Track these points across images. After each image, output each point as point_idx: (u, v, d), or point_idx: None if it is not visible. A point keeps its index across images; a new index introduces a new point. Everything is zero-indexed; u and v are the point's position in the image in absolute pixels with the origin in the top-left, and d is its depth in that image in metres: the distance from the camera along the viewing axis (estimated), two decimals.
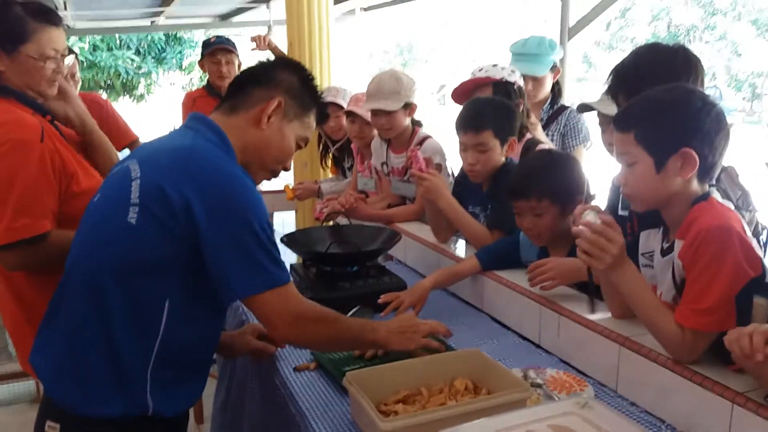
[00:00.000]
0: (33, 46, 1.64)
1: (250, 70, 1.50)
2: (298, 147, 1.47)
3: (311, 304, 1.34)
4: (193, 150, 1.29)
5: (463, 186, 2.28)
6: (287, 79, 1.43)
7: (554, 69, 2.81)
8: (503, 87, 2.41)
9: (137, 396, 1.25)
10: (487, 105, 2.14)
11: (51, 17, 1.70)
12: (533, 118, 2.36)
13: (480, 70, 2.48)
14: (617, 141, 1.34)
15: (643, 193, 1.32)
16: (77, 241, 1.34)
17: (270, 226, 1.28)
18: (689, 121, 1.27)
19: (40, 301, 1.59)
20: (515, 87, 2.42)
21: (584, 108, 1.97)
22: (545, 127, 2.82)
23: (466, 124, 2.07)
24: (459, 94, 2.52)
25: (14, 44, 1.64)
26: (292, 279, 1.31)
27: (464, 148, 2.10)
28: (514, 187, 1.80)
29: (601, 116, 1.85)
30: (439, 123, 2.73)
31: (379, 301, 1.77)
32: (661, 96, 1.32)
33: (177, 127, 1.57)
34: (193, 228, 1.20)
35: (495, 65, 2.48)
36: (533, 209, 1.75)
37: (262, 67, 1.47)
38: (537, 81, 2.75)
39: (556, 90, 2.88)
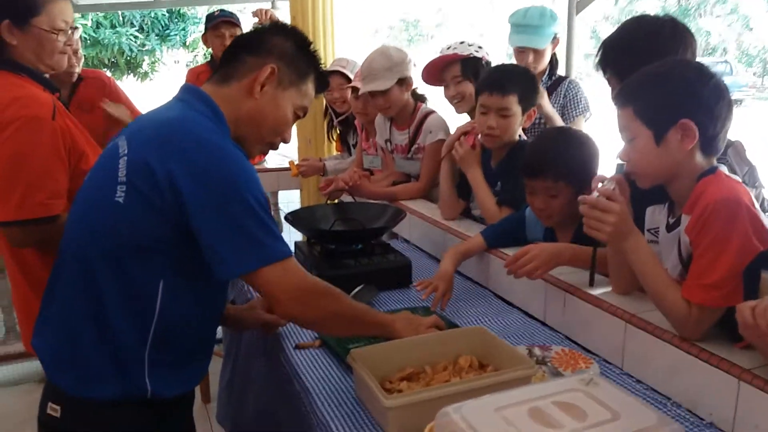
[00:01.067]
0: (44, 18, 1.63)
1: (242, 36, 1.43)
2: (297, 117, 1.40)
3: (316, 278, 1.31)
4: (178, 122, 1.23)
5: None
6: (280, 44, 1.35)
7: (554, 40, 2.75)
8: (471, 62, 2.41)
9: (135, 378, 1.23)
10: (515, 70, 2.12)
11: None
12: (540, 87, 2.32)
13: (448, 48, 2.48)
14: (618, 118, 1.33)
15: (646, 168, 1.31)
16: (69, 221, 1.32)
17: (265, 197, 1.23)
18: (686, 92, 1.25)
19: (42, 279, 1.63)
20: (483, 62, 2.42)
21: None
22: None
23: (492, 86, 2.03)
24: (428, 74, 2.53)
25: (25, 17, 1.62)
26: (293, 254, 1.27)
27: (485, 111, 2.05)
28: (530, 165, 1.76)
29: None
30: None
31: (417, 287, 1.75)
32: (657, 69, 1.30)
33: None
34: (178, 204, 1.15)
35: (462, 42, 2.49)
36: (548, 189, 1.71)
37: (254, 33, 1.40)
38: (537, 53, 2.69)
39: (554, 61, 2.83)
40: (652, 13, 1.72)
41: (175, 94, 1.36)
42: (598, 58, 1.60)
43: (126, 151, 1.22)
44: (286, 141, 1.42)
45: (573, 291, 1.57)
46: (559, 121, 2.58)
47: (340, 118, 3.30)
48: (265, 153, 1.44)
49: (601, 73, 1.60)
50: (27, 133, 1.55)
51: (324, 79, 1.44)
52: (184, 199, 1.15)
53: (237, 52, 1.36)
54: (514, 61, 2.69)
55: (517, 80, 2.04)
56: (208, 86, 1.35)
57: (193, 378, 1.37)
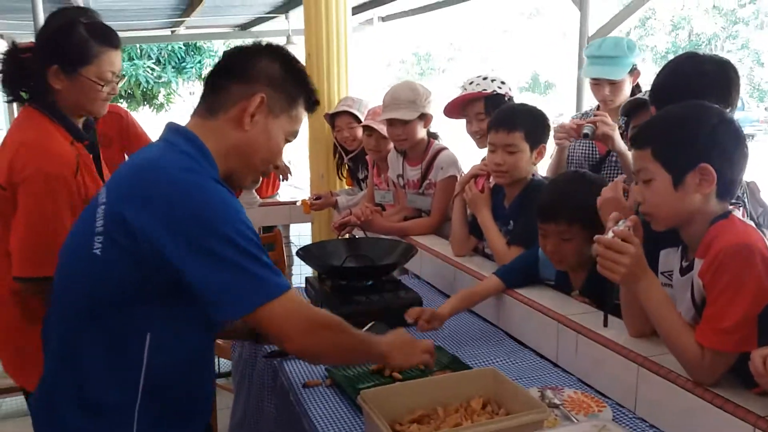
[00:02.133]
0: (93, 68, 1.65)
1: (224, 60, 1.31)
2: (287, 141, 1.33)
3: (317, 309, 1.29)
4: (152, 166, 1.17)
5: None
6: (267, 68, 1.26)
7: (633, 72, 2.62)
8: (495, 99, 2.42)
9: None
10: (521, 108, 2.15)
11: (113, 39, 1.71)
12: (610, 121, 2.26)
13: (470, 83, 2.49)
14: (634, 158, 1.33)
15: (662, 211, 1.31)
16: (56, 275, 1.26)
17: (251, 228, 1.15)
18: (706, 136, 1.26)
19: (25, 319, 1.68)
20: (506, 99, 2.43)
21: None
22: (623, 135, 2.71)
23: (498, 123, 2.07)
24: (450, 110, 2.54)
25: (75, 66, 1.64)
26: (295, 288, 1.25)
27: (493, 149, 2.08)
28: (544, 209, 1.76)
29: None
30: (455, 132, 2.71)
31: (407, 317, 1.74)
32: (677, 112, 1.32)
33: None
34: (158, 253, 1.09)
35: (485, 78, 2.48)
36: (562, 233, 1.71)
37: (237, 55, 1.29)
38: (614, 85, 2.53)
39: (636, 93, 2.65)
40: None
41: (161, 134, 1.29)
42: (649, 97, 1.61)
43: (105, 200, 1.17)
44: (277, 167, 1.41)
45: (585, 332, 1.56)
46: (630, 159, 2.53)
47: (350, 156, 3.34)
48: (257, 182, 1.40)
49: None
50: (49, 192, 1.57)
51: (314, 98, 1.35)
52: (160, 248, 1.09)
53: (221, 79, 1.27)
54: (528, 95, 2.68)
55: (524, 117, 2.07)
56: (194, 120, 1.27)
57: None
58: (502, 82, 2.48)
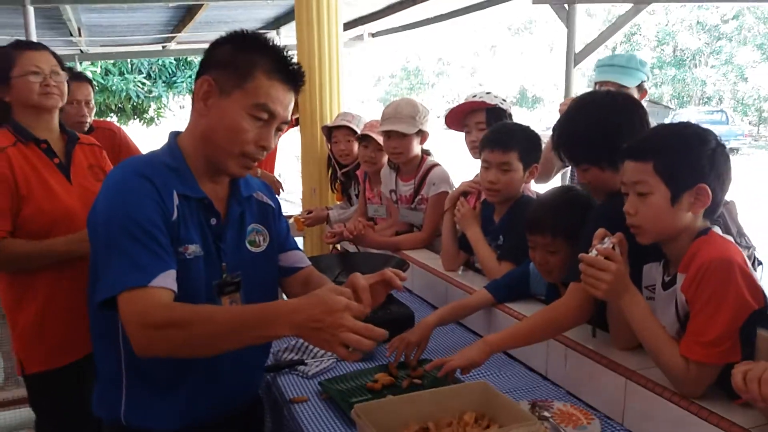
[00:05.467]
0: (17, 68, 1.93)
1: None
2: (262, 116, 1.27)
3: (169, 305, 1.15)
4: (115, 170, 1.32)
5: None
6: (218, 52, 1.29)
7: (641, 89, 2.71)
8: (497, 112, 2.45)
9: (115, 403, 1.31)
10: (516, 128, 2.18)
11: (31, 45, 2.04)
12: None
13: (474, 97, 2.53)
14: (630, 169, 1.35)
15: (655, 226, 1.34)
16: None
17: (149, 220, 1.19)
18: (707, 158, 1.30)
19: (20, 298, 1.96)
20: (507, 114, 2.48)
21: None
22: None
23: (494, 142, 2.10)
24: (452, 118, 2.58)
25: (6, 74, 1.93)
26: (161, 282, 1.15)
27: (487, 166, 2.11)
28: (531, 221, 1.80)
29: None
30: (444, 147, 2.75)
31: (387, 354, 1.73)
32: (680, 130, 1.35)
33: None
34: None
35: (489, 92, 2.53)
36: (547, 246, 1.76)
37: (205, 52, 1.35)
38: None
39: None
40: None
41: None
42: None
43: None
44: (265, 148, 1.31)
45: (574, 346, 1.59)
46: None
47: (343, 170, 3.37)
48: (248, 166, 1.33)
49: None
50: None
51: (282, 60, 1.29)
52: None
53: (196, 78, 1.33)
54: (515, 110, 2.72)
55: (519, 137, 2.11)
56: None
57: (172, 413, 1.32)
58: (504, 100, 2.52)
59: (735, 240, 1.47)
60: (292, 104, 1.33)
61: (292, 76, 1.30)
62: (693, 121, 1.47)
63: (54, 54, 2.02)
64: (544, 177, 2.81)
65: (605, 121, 1.56)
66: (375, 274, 1.40)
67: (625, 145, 1.38)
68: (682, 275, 1.32)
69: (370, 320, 1.88)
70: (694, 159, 1.30)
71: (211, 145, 1.29)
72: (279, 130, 1.34)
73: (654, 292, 1.47)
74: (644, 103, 2.57)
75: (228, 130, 1.27)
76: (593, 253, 1.36)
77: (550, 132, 1.68)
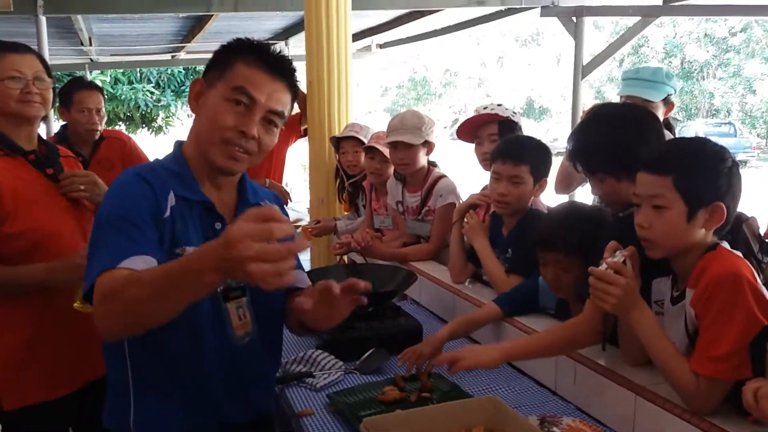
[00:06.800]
0: None
1: None
2: (240, 99, 1.26)
3: (106, 280, 1.10)
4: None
5: None
6: (212, 57, 1.35)
7: (668, 103, 2.67)
8: (509, 124, 2.45)
9: (125, 413, 1.30)
10: (528, 141, 2.18)
11: (13, 47, 1.79)
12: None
13: (485, 109, 2.53)
14: (647, 182, 1.34)
15: (669, 240, 1.33)
16: None
17: (122, 215, 1.20)
18: (725, 176, 1.31)
19: (3, 325, 1.74)
20: (518, 126, 2.48)
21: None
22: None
23: (505, 154, 2.09)
24: (464, 130, 2.57)
25: None
26: (128, 264, 1.10)
27: (497, 178, 2.11)
28: (543, 238, 1.79)
29: None
30: (451, 157, 2.75)
31: (399, 363, 1.74)
32: (700, 147, 1.35)
33: None
34: None
35: (500, 105, 2.53)
36: (559, 263, 1.74)
37: None
38: (647, 106, 2.49)
39: (669, 125, 2.68)
40: None
41: None
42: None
43: None
44: (246, 134, 1.27)
45: (583, 361, 1.58)
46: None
47: (351, 180, 3.38)
48: (234, 157, 1.28)
49: None
50: None
51: (266, 51, 1.31)
52: None
53: None
54: (522, 121, 2.72)
55: (530, 151, 2.11)
56: None
57: (181, 422, 1.33)
58: (515, 113, 2.53)
59: (756, 257, 1.47)
60: (283, 95, 1.32)
61: (273, 62, 1.30)
62: (701, 134, 1.47)
63: (41, 58, 1.84)
64: (565, 188, 2.82)
65: (620, 132, 1.56)
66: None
67: (643, 157, 1.38)
68: (691, 290, 1.32)
69: (378, 333, 1.89)
70: (712, 177, 1.30)
71: (200, 137, 1.31)
72: (270, 123, 1.31)
73: (663, 307, 1.46)
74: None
75: (209, 119, 1.28)
76: (603, 266, 1.35)
77: (557, 143, 1.68)
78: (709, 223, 1.31)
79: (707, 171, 1.31)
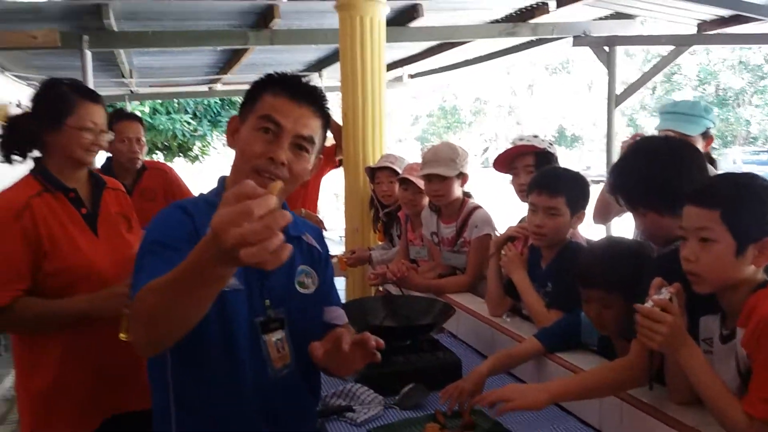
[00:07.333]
0: (74, 117, 1.82)
1: None
2: (268, 127, 1.30)
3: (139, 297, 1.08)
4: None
5: None
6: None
7: (707, 137, 2.66)
8: (545, 155, 2.45)
9: None
10: (564, 173, 2.17)
11: (92, 95, 1.90)
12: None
13: (521, 140, 2.53)
14: (693, 215, 1.32)
15: (716, 276, 1.30)
16: None
17: (160, 241, 1.23)
18: None
19: (35, 361, 1.80)
20: (555, 157, 2.47)
21: None
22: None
23: (541, 186, 2.09)
24: (501, 162, 2.58)
25: (59, 119, 1.81)
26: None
27: (534, 210, 2.10)
28: (583, 275, 1.76)
29: None
30: (483, 185, 2.75)
31: (441, 401, 1.71)
32: (748, 181, 1.33)
33: None
34: None
35: (536, 136, 2.54)
36: (602, 300, 1.71)
37: None
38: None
39: (714, 162, 2.65)
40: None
41: None
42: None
43: None
44: (275, 160, 1.29)
45: (630, 400, 1.54)
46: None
47: (385, 210, 3.40)
48: (265, 184, 1.17)
49: None
50: None
51: (292, 80, 1.36)
52: None
53: None
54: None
55: (567, 182, 2.09)
56: None
57: None
58: (551, 143, 2.53)
59: None
60: (310, 121, 1.33)
61: (298, 88, 1.33)
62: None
63: (105, 109, 1.93)
64: (603, 218, 2.79)
65: (656, 165, 1.55)
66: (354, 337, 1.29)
67: (690, 191, 1.35)
68: (742, 329, 1.28)
69: (416, 367, 1.87)
70: (761, 212, 1.28)
71: (237, 172, 1.34)
72: (300, 148, 1.32)
73: (712, 346, 1.42)
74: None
75: (240, 151, 1.34)
76: (649, 304, 1.32)
77: (590, 171, 1.67)
78: (758, 260, 1.28)
79: (756, 206, 1.28)
